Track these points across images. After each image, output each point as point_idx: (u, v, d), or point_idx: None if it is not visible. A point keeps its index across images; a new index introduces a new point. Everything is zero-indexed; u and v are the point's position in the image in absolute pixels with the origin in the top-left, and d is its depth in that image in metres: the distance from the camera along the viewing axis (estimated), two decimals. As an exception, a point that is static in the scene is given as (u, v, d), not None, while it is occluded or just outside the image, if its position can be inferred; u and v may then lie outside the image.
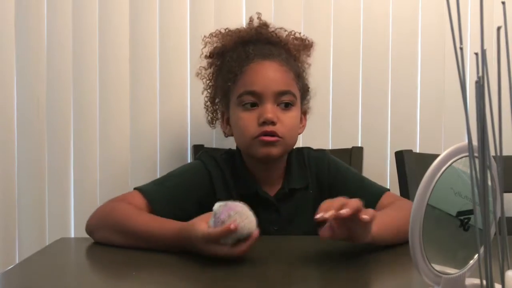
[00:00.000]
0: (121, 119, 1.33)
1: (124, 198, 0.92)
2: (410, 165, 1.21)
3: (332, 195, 0.87)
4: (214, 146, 1.34)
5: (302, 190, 1.00)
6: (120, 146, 1.34)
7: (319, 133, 1.37)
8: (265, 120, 0.92)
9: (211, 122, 1.09)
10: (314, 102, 1.35)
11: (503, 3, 0.43)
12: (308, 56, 1.08)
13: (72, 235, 1.33)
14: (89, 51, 1.33)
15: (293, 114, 0.96)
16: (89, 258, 0.83)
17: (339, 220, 0.71)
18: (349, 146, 1.31)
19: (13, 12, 1.32)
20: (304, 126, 1.05)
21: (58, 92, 1.33)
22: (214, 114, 1.07)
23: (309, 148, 1.07)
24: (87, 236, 0.89)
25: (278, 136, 0.93)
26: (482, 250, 0.44)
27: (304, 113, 1.05)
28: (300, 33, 1.08)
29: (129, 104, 1.34)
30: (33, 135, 1.32)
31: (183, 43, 1.34)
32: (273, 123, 0.92)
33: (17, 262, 1.32)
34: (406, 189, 1.20)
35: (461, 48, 0.42)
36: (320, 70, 1.37)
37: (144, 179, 1.31)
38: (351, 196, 0.73)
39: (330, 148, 1.36)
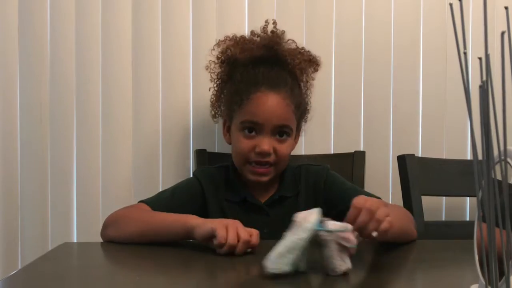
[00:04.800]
0: (124, 124, 1.34)
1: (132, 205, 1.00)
2: (412, 169, 1.21)
3: (327, 206, 0.93)
4: (216, 150, 1.34)
5: (292, 198, 1.06)
6: (122, 151, 1.34)
7: (321, 137, 1.37)
8: (261, 152, 0.99)
9: (214, 117, 1.16)
10: (316, 107, 1.36)
11: (506, 8, 0.43)
12: (315, 71, 1.16)
13: (75, 240, 1.33)
14: (91, 55, 1.33)
15: (288, 143, 1.04)
16: (92, 263, 0.83)
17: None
18: (351, 151, 1.31)
19: (16, 16, 1.32)
20: (296, 143, 1.12)
21: (61, 97, 1.33)
22: (217, 110, 1.14)
23: (309, 165, 1.11)
24: (89, 240, 0.89)
25: (270, 164, 1.01)
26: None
27: (298, 130, 1.11)
28: (308, 51, 1.14)
29: (131, 109, 1.34)
30: (36, 139, 1.33)
31: (185, 47, 1.34)
32: (268, 154, 0.99)
33: (19, 266, 1.32)
34: (408, 193, 1.20)
35: (464, 53, 0.42)
36: (322, 74, 1.37)
37: (146, 185, 1.33)
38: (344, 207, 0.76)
39: (332, 152, 1.36)
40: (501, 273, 0.44)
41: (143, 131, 1.34)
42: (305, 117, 1.14)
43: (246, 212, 1.04)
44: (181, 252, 0.91)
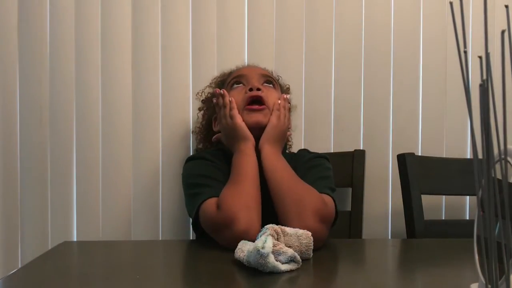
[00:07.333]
0: (124, 124, 1.33)
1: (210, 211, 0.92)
2: (412, 168, 1.21)
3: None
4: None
5: None
6: (122, 151, 1.33)
7: (321, 136, 1.37)
8: (251, 87, 1.04)
9: (208, 146, 1.21)
10: (316, 106, 1.36)
11: (506, 6, 0.43)
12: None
13: (75, 238, 1.33)
14: (91, 55, 1.33)
15: (276, 93, 1.09)
16: (92, 262, 0.83)
17: None
18: (351, 149, 1.31)
19: (16, 16, 1.32)
20: (289, 134, 1.16)
21: (61, 97, 1.33)
22: (207, 144, 1.20)
23: (307, 150, 1.14)
24: (89, 239, 0.89)
25: (264, 104, 1.03)
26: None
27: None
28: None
29: (131, 109, 1.34)
30: (35, 141, 1.32)
31: (185, 47, 1.34)
32: (258, 89, 1.04)
33: (19, 265, 1.32)
34: (408, 192, 1.20)
35: (465, 52, 0.42)
36: (322, 74, 1.37)
37: (146, 184, 1.33)
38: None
39: (332, 151, 1.36)
40: (501, 272, 0.44)
41: (143, 131, 1.34)
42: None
43: None
44: (181, 252, 0.91)
